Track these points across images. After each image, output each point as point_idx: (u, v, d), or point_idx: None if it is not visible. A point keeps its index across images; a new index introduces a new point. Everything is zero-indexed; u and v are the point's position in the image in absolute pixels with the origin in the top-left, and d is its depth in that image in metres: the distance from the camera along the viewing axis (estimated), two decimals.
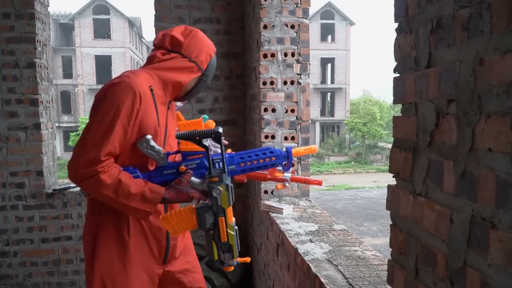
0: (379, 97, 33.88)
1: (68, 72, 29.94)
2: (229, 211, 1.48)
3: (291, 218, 2.18)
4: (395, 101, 0.89)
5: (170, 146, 1.58)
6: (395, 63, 0.87)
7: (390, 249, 0.93)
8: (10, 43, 2.92)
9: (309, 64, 2.50)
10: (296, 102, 2.50)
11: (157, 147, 1.46)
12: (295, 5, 2.45)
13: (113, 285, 1.48)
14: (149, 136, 1.44)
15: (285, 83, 2.47)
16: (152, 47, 1.62)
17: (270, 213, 2.28)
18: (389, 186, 0.93)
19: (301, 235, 1.88)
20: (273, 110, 2.47)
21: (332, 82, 33.47)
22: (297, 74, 2.48)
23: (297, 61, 2.47)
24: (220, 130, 1.38)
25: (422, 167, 0.78)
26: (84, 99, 29.62)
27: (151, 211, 1.42)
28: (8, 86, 2.91)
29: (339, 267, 1.51)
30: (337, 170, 27.30)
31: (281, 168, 1.60)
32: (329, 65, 34.06)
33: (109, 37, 30.40)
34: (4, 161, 2.96)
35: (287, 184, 1.68)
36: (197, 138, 1.38)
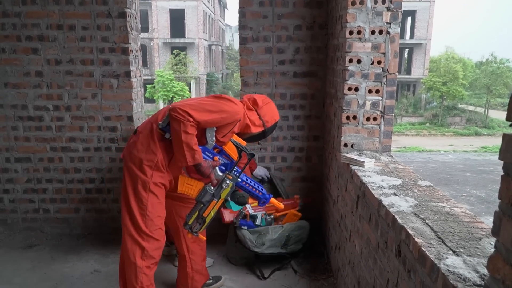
0: (463, 54, 31.05)
1: (144, 26, 31.03)
2: (221, 201, 2.19)
3: (372, 171, 2.15)
4: None
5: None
6: None
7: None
8: None
9: (401, 12, 2.35)
10: (384, 53, 2.38)
11: (214, 137, 2.23)
12: None
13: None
14: (215, 128, 2.22)
15: (373, 32, 2.36)
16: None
17: (351, 165, 2.27)
18: (504, 135, 0.88)
19: (384, 188, 1.86)
20: (358, 61, 2.39)
21: (412, 37, 31.25)
22: (387, 23, 2.35)
23: (388, 9, 2.33)
24: (254, 155, 2.23)
25: None
26: (159, 53, 30.73)
27: (189, 164, 2.10)
28: (102, 35, 3.09)
29: (427, 221, 1.48)
30: (410, 132, 26.06)
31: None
32: (409, 19, 31.69)
33: None
34: (99, 106, 3.21)
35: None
36: (240, 149, 2.24)
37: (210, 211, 2.14)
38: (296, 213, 2.99)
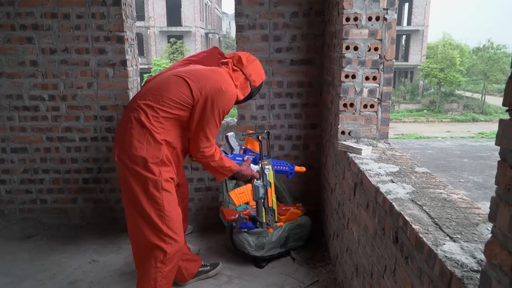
0: (460, 40, 31.05)
1: (140, 14, 30.67)
2: (273, 185, 2.42)
3: (370, 159, 2.15)
4: None
5: None
6: None
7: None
8: None
9: None
10: (381, 40, 2.37)
11: (236, 142, 2.45)
12: None
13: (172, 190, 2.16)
14: (234, 134, 2.46)
15: (369, 19, 2.34)
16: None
17: (348, 153, 2.27)
18: (501, 120, 0.88)
19: (381, 175, 1.86)
20: (355, 48, 2.37)
21: (409, 23, 31.06)
22: (384, 9, 2.33)
23: None
24: (269, 132, 2.56)
25: None
26: (156, 41, 30.46)
27: (229, 176, 2.27)
28: (97, 24, 3.05)
29: (424, 207, 1.48)
30: (407, 119, 26.06)
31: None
32: (406, 5, 31.47)
33: None
34: (95, 95, 3.19)
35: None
36: (255, 135, 2.46)
37: (272, 199, 2.40)
38: (296, 211, 2.94)
